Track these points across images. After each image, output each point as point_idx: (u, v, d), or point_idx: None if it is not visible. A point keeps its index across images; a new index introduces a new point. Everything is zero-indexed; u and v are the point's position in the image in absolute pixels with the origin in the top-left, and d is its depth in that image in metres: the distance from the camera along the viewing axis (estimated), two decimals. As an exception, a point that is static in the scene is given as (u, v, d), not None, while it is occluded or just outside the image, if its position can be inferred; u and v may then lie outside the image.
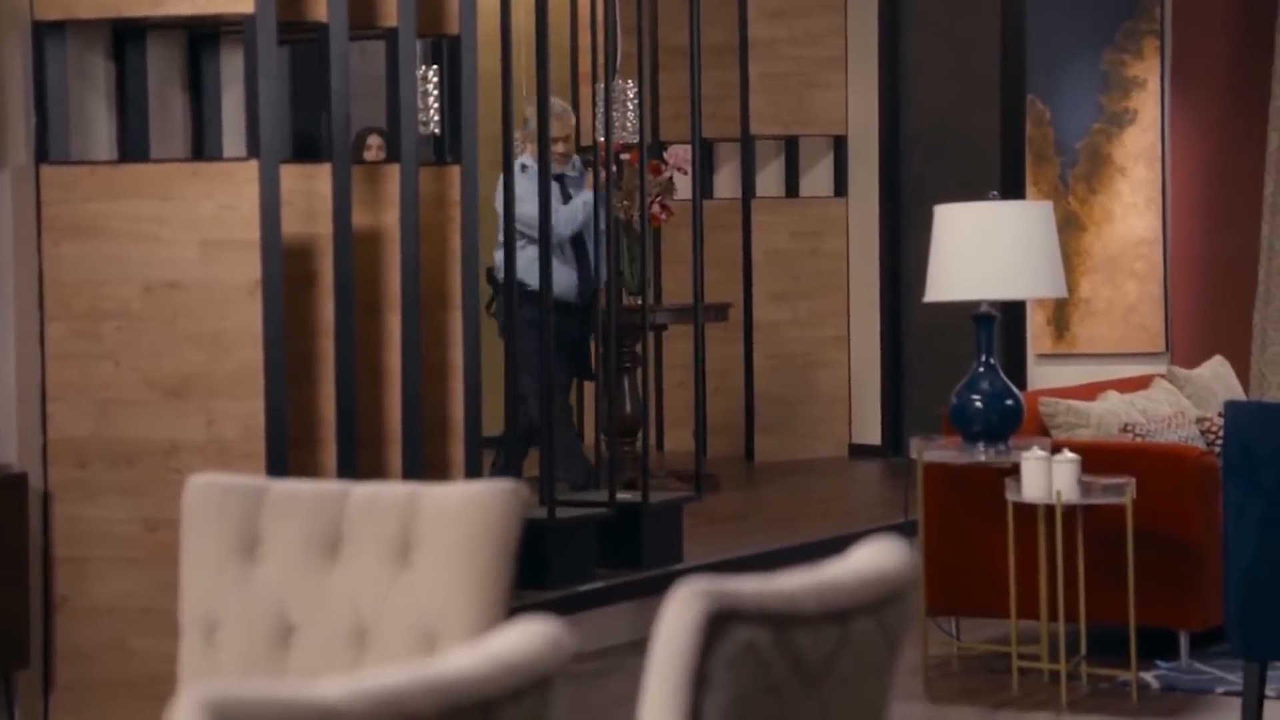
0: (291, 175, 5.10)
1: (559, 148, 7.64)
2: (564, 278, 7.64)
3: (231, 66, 5.54)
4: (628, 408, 8.34)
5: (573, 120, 8.00)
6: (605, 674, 5.66)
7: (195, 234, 4.96)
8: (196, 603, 2.63)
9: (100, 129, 5.33)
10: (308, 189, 5.14)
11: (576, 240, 7.81)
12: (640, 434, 7.75)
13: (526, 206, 7.23)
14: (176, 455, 4.93)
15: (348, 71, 5.15)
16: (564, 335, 7.52)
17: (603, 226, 7.64)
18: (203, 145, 5.56)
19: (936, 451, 5.75)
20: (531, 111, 7.67)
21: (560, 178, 7.74)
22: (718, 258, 9.81)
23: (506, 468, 7.30)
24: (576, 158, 8.02)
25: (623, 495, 6.67)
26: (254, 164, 4.91)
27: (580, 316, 7.79)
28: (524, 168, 7.58)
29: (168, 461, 4.94)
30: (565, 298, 7.60)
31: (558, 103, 7.82)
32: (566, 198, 7.80)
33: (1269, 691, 4.95)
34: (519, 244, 7.54)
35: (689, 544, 6.78)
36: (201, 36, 5.55)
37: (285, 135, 5.36)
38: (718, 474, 8.79)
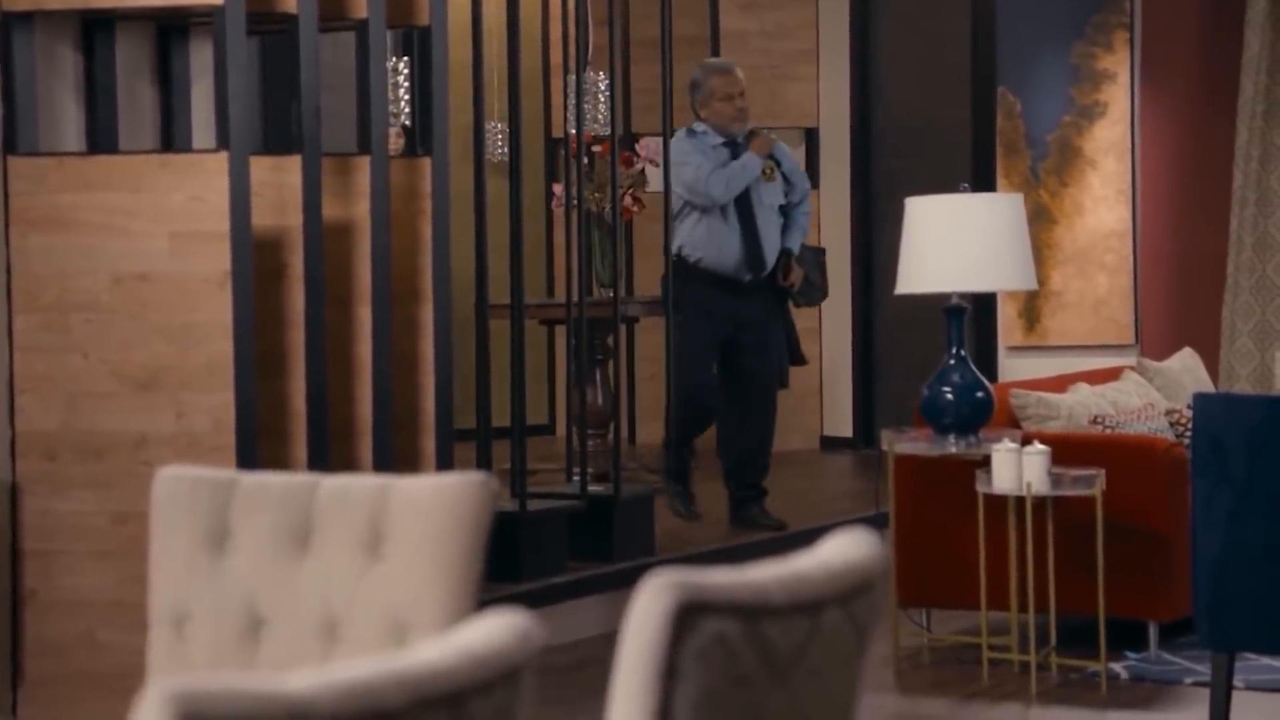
0: (262, 167, 5.08)
1: (735, 104, 7.25)
2: (728, 247, 7.20)
3: (201, 58, 5.52)
4: (600, 400, 8.34)
5: (742, 76, 7.38)
6: (576, 666, 5.66)
7: (165, 226, 4.94)
8: (166, 596, 2.62)
9: (69, 120, 5.31)
10: (278, 181, 5.12)
11: (744, 213, 7.25)
12: (612, 426, 7.75)
13: (686, 171, 7.08)
14: (146, 448, 4.92)
15: (318, 63, 5.13)
16: (719, 312, 7.10)
17: (767, 201, 7.27)
18: (172, 137, 5.54)
19: (907, 443, 5.77)
20: (701, 74, 7.41)
21: (732, 143, 7.31)
22: (689, 250, 9.80)
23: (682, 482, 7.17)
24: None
25: (594, 488, 6.67)
26: (224, 156, 4.90)
27: (748, 299, 7.18)
28: (691, 133, 7.25)
29: (137, 454, 4.92)
30: (727, 272, 7.20)
31: (722, 61, 7.54)
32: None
33: (1237, 682, 4.97)
34: (678, 214, 7.31)
35: (660, 536, 6.78)
36: (171, 28, 5.53)
37: (255, 127, 5.34)
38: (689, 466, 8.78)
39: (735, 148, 7.25)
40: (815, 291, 7.56)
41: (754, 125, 7.51)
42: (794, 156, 7.72)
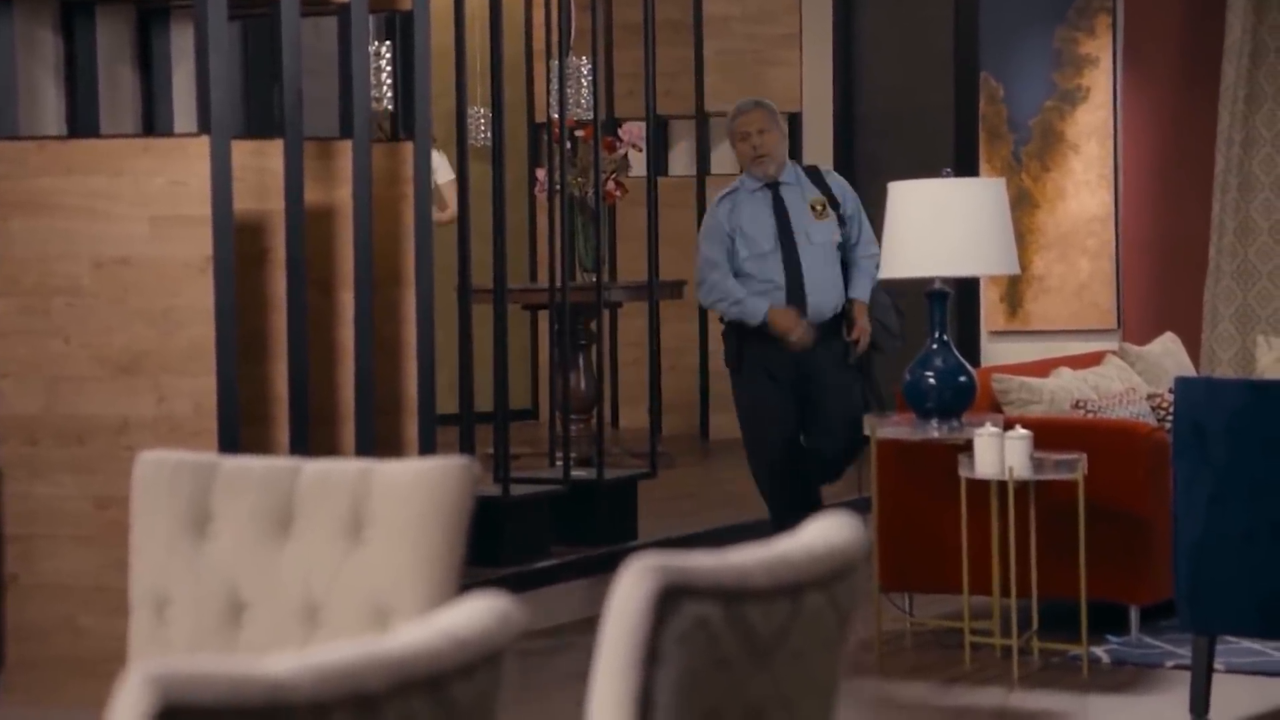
0: (243, 151, 5.07)
1: (750, 143, 6.49)
2: (773, 299, 6.42)
3: (182, 42, 5.50)
4: (583, 385, 8.34)
5: (767, 112, 6.56)
6: (558, 650, 5.66)
7: (146, 210, 4.93)
8: (147, 580, 2.62)
9: (49, 104, 5.29)
10: (260, 165, 5.11)
11: (788, 255, 6.46)
12: (595, 411, 7.76)
13: (699, 253, 6.53)
14: (127, 432, 4.91)
15: (300, 47, 5.12)
16: (782, 371, 6.42)
17: (817, 240, 6.44)
18: (153, 121, 5.52)
19: (890, 428, 5.77)
20: (728, 117, 6.60)
21: (774, 184, 6.53)
22: (673, 235, 9.80)
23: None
24: (793, 164, 6.66)
25: (577, 472, 6.68)
26: (205, 140, 4.89)
27: (811, 348, 6.42)
28: (730, 192, 6.53)
29: (119, 439, 4.91)
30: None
31: (745, 100, 6.67)
32: (780, 213, 6.49)
33: (1218, 665, 4.99)
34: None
35: (643, 520, 6.79)
36: (151, 11, 5.51)
37: (237, 111, 5.33)
38: (672, 451, 8.80)
39: (777, 188, 6.50)
40: (892, 340, 6.62)
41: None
42: (849, 187, 6.74)
